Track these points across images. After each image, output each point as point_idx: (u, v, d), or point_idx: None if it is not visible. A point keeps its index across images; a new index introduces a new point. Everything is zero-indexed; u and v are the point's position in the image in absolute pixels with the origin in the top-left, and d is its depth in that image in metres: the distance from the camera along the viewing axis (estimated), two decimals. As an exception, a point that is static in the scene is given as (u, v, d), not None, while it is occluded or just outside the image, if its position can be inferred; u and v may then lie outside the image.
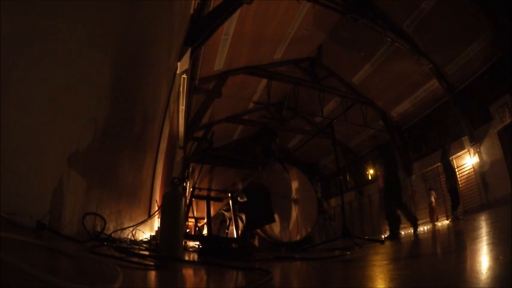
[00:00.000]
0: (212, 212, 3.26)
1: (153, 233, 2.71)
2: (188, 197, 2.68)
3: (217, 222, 5.23)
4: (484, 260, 0.93)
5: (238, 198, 2.97)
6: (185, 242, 2.91)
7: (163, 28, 2.76)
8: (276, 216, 3.57)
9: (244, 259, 1.77)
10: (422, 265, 1.17)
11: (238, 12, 5.94)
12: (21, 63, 0.83)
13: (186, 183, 2.96)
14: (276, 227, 5.24)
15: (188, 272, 1.07)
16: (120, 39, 1.60)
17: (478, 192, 8.24)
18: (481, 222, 3.27)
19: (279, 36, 9.08)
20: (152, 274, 0.86)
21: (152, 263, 0.97)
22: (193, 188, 2.61)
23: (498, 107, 7.57)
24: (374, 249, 2.61)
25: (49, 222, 0.99)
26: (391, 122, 11.44)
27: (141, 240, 2.11)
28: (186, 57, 4.55)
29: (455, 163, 8.31)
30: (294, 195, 5.76)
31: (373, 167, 5.09)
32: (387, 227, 4.92)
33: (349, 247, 3.00)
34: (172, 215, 1.38)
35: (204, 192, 2.89)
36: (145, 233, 2.47)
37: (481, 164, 8.14)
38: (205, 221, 3.64)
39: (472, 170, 8.52)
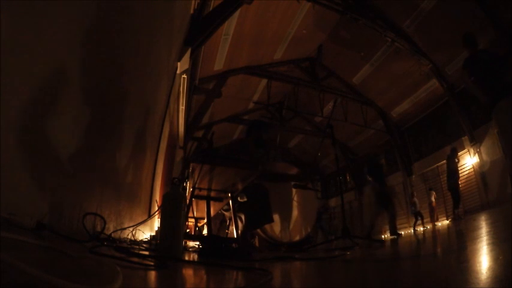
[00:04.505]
0: (212, 212, 3.26)
1: (153, 233, 2.71)
2: (188, 197, 2.68)
3: (217, 222, 5.24)
4: (484, 260, 0.93)
5: (238, 198, 2.97)
6: (185, 242, 2.91)
7: (163, 28, 2.76)
8: (276, 217, 3.57)
9: (244, 259, 1.77)
10: (422, 265, 1.17)
11: (238, 12, 5.93)
12: (22, 62, 0.83)
13: (186, 183, 2.96)
14: (276, 227, 5.25)
15: (188, 272, 1.07)
16: (120, 40, 1.60)
17: (478, 192, 8.24)
18: (481, 222, 3.27)
19: (279, 36, 9.08)
20: (152, 274, 0.86)
21: (152, 263, 0.97)
22: (193, 188, 2.61)
23: (498, 107, 7.56)
24: (374, 249, 2.62)
25: (49, 222, 0.99)
26: (391, 122, 11.44)
27: (141, 240, 2.11)
28: (186, 57, 4.55)
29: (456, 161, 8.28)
30: (293, 195, 5.75)
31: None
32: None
33: (349, 247, 3.00)
34: (172, 215, 1.39)
35: (204, 192, 2.89)
36: (145, 233, 2.47)
37: (481, 164, 8.14)
38: (205, 221, 3.64)
39: (472, 170, 8.52)
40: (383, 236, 5.22)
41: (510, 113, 2.82)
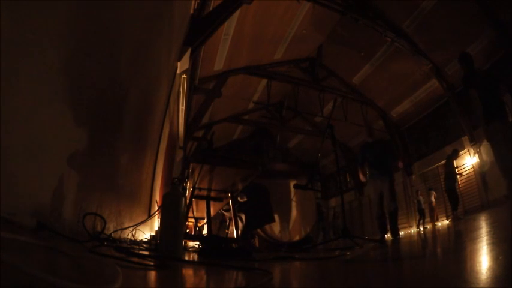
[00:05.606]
0: (212, 212, 3.26)
1: (153, 233, 2.71)
2: (188, 197, 2.68)
3: (217, 222, 5.24)
4: (484, 260, 0.93)
5: (238, 198, 2.98)
6: (185, 242, 2.91)
7: (163, 28, 2.76)
8: (276, 217, 3.57)
9: (244, 259, 1.77)
10: (422, 265, 1.17)
11: (238, 12, 5.93)
12: (21, 64, 0.83)
13: (186, 183, 2.97)
14: (276, 227, 5.25)
15: (188, 272, 1.07)
16: (119, 40, 1.60)
17: (478, 192, 8.23)
18: (481, 222, 3.27)
19: (279, 36, 9.08)
20: (152, 274, 0.86)
21: (152, 263, 0.97)
22: (193, 188, 2.61)
23: (498, 107, 7.54)
24: (374, 249, 2.62)
25: (49, 222, 0.99)
26: (391, 122, 11.44)
27: (141, 240, 2.11)
28: (186, 57, 4.54)
29: (455, 163, 8.29)
30: (293, 195, 5.75)
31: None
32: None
33: (349, 247, 3.00)
34: (172, 215, 1.39)
35: (204, 192, 2.89)
36: (145, 233, 2.47)
37: (481, 164, 8.14)
38: (205, 221, 3.64)
39: (472, 170, 8.52)
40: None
41: (501, 134, 2.91)
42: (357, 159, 4.68)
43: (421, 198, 9.85)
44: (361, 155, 4.53)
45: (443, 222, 8.66)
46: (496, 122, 3.01)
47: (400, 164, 4.75)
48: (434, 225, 8.62)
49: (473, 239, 1.76)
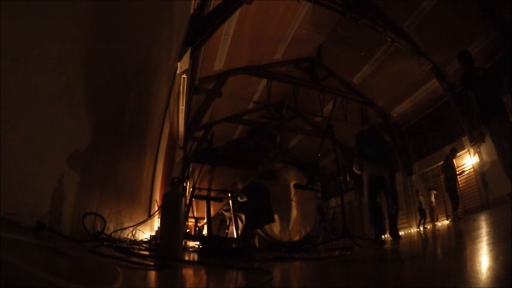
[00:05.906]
0: (212, 212, 3.26)
1: (153, 233, 2.71)
2: (188, 197, 2.68)
3: (217, 222, 5.24)
4: (484, 260, 0.93)
5: (238, 198, 2.98)
6: (185, 242, 2.91)
7: (163, 28, 2.76)
8: (276, 217, 3.57)
9: (244, 259, 1.77)
10: (422, 265, 1.17)
11: (238, 12, 5.94)
12: (21, 64, 0.83)
13: (186, 183, 2.97)
14: (276, 227, 5.25)
15: (188, 272, 1.07)
16: (120, 40, 1.60)
17: (478, 192, 8.23)
18: (481, 222, 3.27)
19: (279, 36, 9.08)
20: (152, 274, 0.86)
21: (152, 263, 0.97)
22: (193, 188, 2.61)
23: (498, 107, 7.54)
24: (374, 249, 2.62)
25: (49, 222, 0.99)
26: (391, 122, 11.44)
27: (141, 240, 2.11)
28: (186, 57, 4.55)
29: (455, 163, 8.29)
30: (293, 195, 5.75)
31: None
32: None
33: (349, 247, 3.00)
34: (172, 215, 1.39)
35: (204, 192, 2.89)
36: (145, 233, 2.47)
37: (481, 164, 8.14)
38: (205, 221, 3.64)
39: (472, 170, 8.52)
40: (383, 236, 4.99)
41: (502, 130, 2.93)
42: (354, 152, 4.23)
43: (421, 198, 9.87)
44: (357, 146, 4.11)
45: (443, 222, 8.66)
46: (496, 119, 3.03)
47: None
48: (434, 225, 8.61)
49: (473, 239, 1.76)
